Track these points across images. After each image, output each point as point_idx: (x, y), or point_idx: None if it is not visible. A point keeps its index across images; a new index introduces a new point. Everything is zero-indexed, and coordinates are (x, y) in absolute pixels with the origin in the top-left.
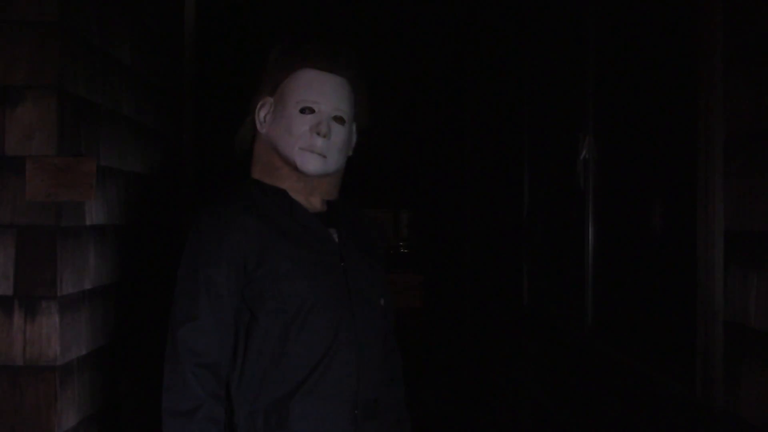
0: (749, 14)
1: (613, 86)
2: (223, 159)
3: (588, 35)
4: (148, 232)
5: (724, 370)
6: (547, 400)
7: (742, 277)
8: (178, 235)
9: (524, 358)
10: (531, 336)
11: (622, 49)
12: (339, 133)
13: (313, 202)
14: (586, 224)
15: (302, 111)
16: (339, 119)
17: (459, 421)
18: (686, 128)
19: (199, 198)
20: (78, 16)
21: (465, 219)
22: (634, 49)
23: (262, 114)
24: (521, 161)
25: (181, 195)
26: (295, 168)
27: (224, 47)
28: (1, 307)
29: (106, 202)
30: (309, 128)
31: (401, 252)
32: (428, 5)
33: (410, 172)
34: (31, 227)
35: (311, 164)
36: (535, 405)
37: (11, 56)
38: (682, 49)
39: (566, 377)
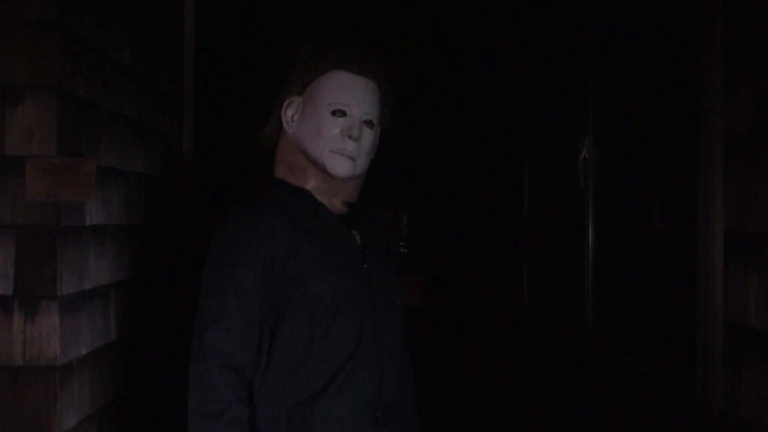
0: (749, 14)
1: (613, 86)
2: (223, 159)
3: (588, 35)
4: (148, 232)
5: (724, 370)
6: (547, 400)
7: (742, 277)
8: (177, 235)
9: (524, 358)
10: (531, 336)
11: (622, 49)
12: (368, 136)
13: (336, 204)
14: (586, 224)
15: (334, 113)
16: (369, 123)
17: (459, 421)
18: (686, 128)
19: (200, 198)
20: (78, 16)
21: (465, 219)
22: (634, 50)
23: (289, 113)
24: (521, 161)
25: (182, 195)
26: (322, 169)
27: (224, 47)
28: (1, 307)
29: (106, 202)
30: (340, 131)
31: (401, 252)
32: (428, 5)
33: (410, 172)
34: (31, 227)
35: (341, 167)
36: (535, 405)
37: (11, 56)
38: (682, 49)
39: (566, 377)
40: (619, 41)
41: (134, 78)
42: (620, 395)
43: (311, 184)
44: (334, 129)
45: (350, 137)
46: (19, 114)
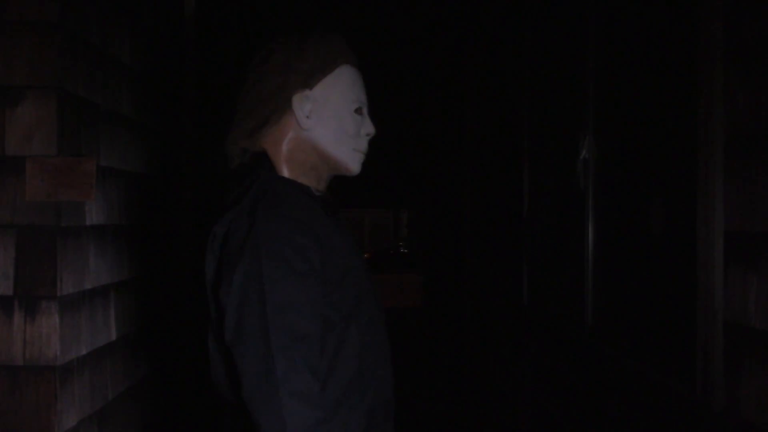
0: (749, 14)
1: (613, 86)
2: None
3: (588, 35)
4: (148, 232)
5: (724, 370)
6: (547, 400)
7: (742, 277)
8: (177, 235)
9: (524, 358)
10: (531, 336)
11: (622, 49)
12: None
13: None
14: (586, 224)
15: (356, 111)
16: None
17: (459, 421)
18: (686, 128)
19: (200, 198)
20: (78, 16)
21: (465, 219)
22: (634, 49)
23: (306, 109)
24: (521, 161)
25: (181, 195)
26: (333, 168)
27: (224, 47)
28: (1, 307)
29: (106, 202)
30: (360, 129)
31: (401, 252)
32: (429, 4)
33: (410, 172)
34: (31, 227)
35: (359, 165)
36: (535, 405)
37: (11, 56)
38: (682, 49)
39: (566, 377)
40: (619, 41)
41: (134, 78)
42: (620, 395)
43: (312, 183)
44: (357, 127)
45: (368, 135)
46: (19, 114)
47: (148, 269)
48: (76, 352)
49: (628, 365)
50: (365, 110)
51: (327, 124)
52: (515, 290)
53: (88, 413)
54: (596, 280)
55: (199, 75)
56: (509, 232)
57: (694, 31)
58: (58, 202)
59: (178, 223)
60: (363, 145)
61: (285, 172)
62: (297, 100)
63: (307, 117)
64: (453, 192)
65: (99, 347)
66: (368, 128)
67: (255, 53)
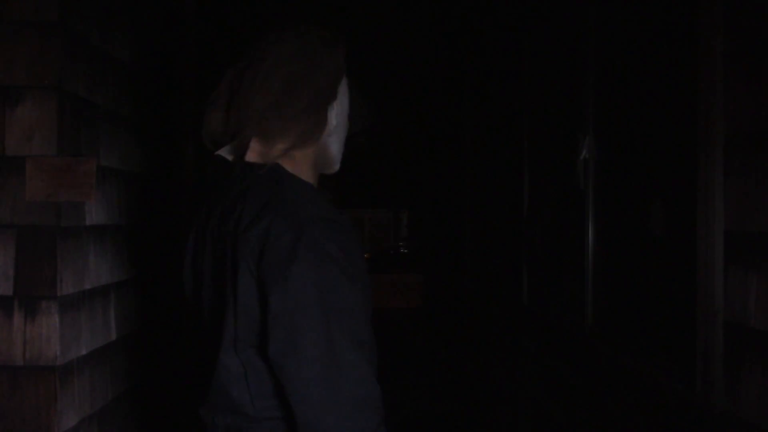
0: (749, 14)
1: (612, 86)
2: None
3: (588, 35)
4: (148, 232)
5: (724, 370)
6: (547, 400)
7: (742, 277)
8: (177, 235)
9: (524, 358)
10: (531, 336)
11: (622, 49)
12: None
13: None
14: (586, 224)
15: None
16: None
17: (459, 421)
18: (686, 128)
19: (200, 198)
20: (78, 16)
21: (465, 219)
22: (634, 49)
23: (332, 117)
24: (521, 161)
25: (181, 195)
26: (326, 167)
27: (224, 47)
28: (1, 307)
29: (106, 202)
30: None
31: (401, 252)
32: (429, 6)
33: (410, 172)
34: (31, 227)
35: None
36: (535, 405)
37: (11, 56)
38: (682, 48)
39: (566, 377)
40: (619, 41)
41: (134, 78)
42: (620, 395)
43: (313, 182)
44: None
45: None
46: (19, 114)
47: (148, 269)
48: (76, 352)
49: (628, 365)
50: None
51: (339, 131)
52: (515, 290)
53: (88, 413)
54: (596, 280)
55: (199, 75)
56: (509, 232)
57: (695, 31)
58: (58, 202)
59: (178, 223)
60: None
61: (303, 175)
62: (330, 112)
63: (335, 125)
64: (453, 192)
65: (99, 347)
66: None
67: (274, 38)
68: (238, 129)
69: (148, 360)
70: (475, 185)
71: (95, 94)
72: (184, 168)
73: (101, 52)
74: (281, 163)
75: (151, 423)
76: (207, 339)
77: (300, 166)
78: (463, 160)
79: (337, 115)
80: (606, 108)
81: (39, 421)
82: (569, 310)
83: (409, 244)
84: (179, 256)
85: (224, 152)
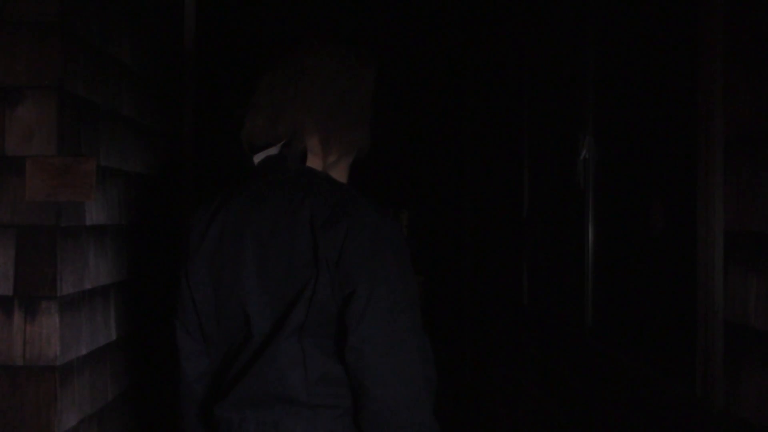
0: (749, 14)
1: (612, 86)
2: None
3: (588, 35)
4: (148, 232)
5: (724, 370)
6: (547, 400)
7: (742, 277)
8: (177, 235)
9: (524, 358)
10: (531, 336)
11: (622, 48)
12: None
13: None
14: (586, 224)
15: None
16: None
17: (459, 421)
18: (686, 128)
19: (201, 198)
20: (78, 16)
21: (465, 219)
22: (634, 49)
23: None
24: (521, 161)
25: (181, 195)
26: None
27: (224, 46)
28: (1, 307)
29: (106, 202)
30: None
31: None
32: (429, 5)
33: (410, 172)
34: (31, 227)
35: None
36: (535, 405)
37: (11, 56)
38: (682, 48)
39: (566, 377)
40: (619, 41)
41: (134, 78)
42: (620, 395)
43: None
44: None
45: None
46: (19, 114)
47: (149, 269)
48: (76, 352)
49: (628, 365)
50: None
51: None
52: (515, 290)
53: (88, 413)
54: (596, 280)
55: (199, 75)
56: (509, 232)
57: (695, 30)
58: (58, 202)
59: (178, 223)
60: None
61: (343, 179)
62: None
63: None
64: (453, 192)
65: (99, 347)
66: None
67: (316, 51)
68: (293, 135)
69: (148, 360)
70: (475, 185)
71: (95, 93)
72: (184, 168)
73: (101, 52)
74: (345, 172)
75: (151, 423)
76: (231, 333)
77: (341, 171)
78: (463, 160)
79: None
80: (606, 108)
81: (39, 421)
82: (569, 310)
83: (409, 244)
84: (180, 256)
85: (261, 155)
